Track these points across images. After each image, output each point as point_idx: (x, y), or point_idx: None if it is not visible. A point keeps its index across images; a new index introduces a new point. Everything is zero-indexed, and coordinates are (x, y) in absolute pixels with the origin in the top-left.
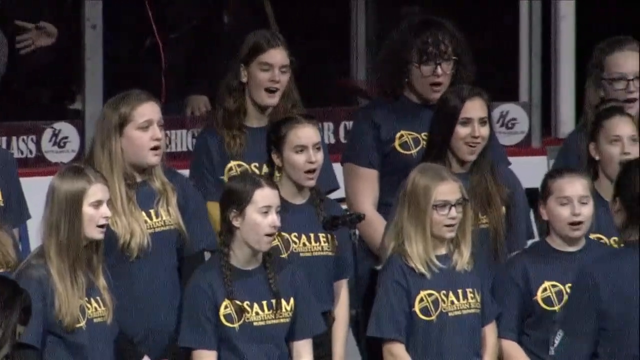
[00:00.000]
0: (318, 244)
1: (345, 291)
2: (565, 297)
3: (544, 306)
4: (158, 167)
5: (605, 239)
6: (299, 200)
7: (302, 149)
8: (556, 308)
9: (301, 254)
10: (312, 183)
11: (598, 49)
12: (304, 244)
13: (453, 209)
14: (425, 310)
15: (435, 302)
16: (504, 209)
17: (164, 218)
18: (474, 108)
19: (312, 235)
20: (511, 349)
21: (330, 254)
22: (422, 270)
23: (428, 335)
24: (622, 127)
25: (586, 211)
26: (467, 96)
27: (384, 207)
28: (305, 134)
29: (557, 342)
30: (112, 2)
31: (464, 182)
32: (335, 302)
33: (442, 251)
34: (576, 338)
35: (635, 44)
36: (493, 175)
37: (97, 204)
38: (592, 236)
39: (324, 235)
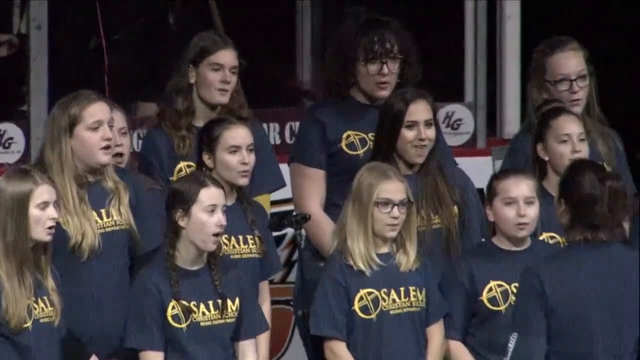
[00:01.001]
0: (247, 246)
1: (267, 292)
2: (511, 297)
3: (489, 306)
4: (110, 167)
5: (558, 238)
6: (229, 202)
7: (235, 149)
8: (502, 308)
9: (231, 256)
10: (245, 181)
11: (538, 51)
12: (234, 246)
13: (396, 208)
14: (365, 309)
15: (375, 301)
16: (455, 208)
17: (115, 218)
18: (419, 111)
19: (240, 237)
20: (456, 349)
21: (257, 255)
22: (362, 268)
23: (368, 333)
24: (570, 126)
25: (532, 212)
26: (412, 99)
27: (330, 207)
28: (240, 134)
29: (512, 346)
30: (60, 2)
31: (413, 184)
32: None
33: (384, 249)
34: (531, 336)
35: (575, 43)
36: (443, 175)
37: (44, 206)
38: (544, 235)
39: (251, 237)
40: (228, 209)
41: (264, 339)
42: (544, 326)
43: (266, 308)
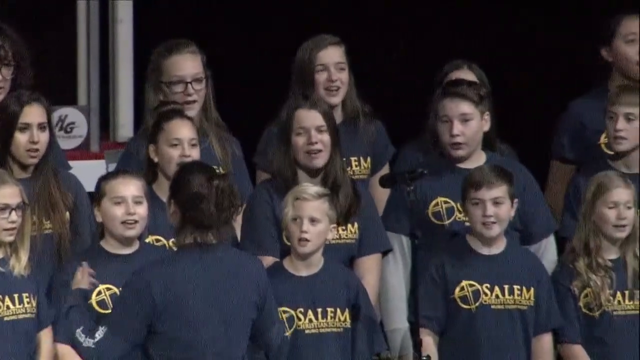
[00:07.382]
0: None
1: None
2: None
3: (99, 310)
4: None
5: (164, 241)
6: None
7: None
8: (110, 311)
9: None
10: None
11: (156, 53)
12: None
13: (14, 212)
14: None
15: None
16: (67, 214)
17: None
18: (32, 114)
19: None
20: None
21: None
22: None
23: None
24: (182, 130)
25: (141, 211)
26: (26, 102)
27: None
28: None
29: (99, 336)
30: None
31: (26, 188)
32: None
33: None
34: (116, 335)
35: (193, 46)
36: (57, 179)
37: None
38: (150, 238)
39: None
40: None
41: None
42: (132, 329)
43: None
